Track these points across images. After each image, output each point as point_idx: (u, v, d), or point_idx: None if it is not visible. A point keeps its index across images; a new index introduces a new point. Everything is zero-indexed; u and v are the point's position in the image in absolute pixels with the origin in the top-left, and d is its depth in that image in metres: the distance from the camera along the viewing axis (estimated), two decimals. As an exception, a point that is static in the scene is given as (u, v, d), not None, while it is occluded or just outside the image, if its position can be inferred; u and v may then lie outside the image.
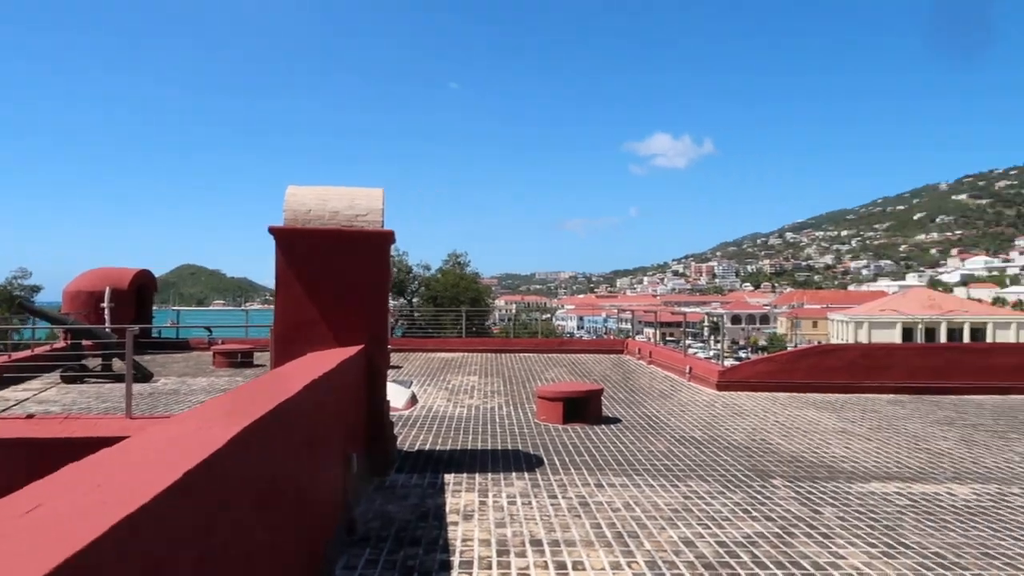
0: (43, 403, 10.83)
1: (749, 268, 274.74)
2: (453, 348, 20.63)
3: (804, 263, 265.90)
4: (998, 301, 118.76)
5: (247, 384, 4.31)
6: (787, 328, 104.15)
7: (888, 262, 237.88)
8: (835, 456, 8.20)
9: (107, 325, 17.63)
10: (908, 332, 70.90)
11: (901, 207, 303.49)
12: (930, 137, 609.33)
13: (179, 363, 16.99)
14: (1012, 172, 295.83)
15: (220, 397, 3.74)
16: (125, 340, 8.76)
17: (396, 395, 10.88)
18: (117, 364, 13.43)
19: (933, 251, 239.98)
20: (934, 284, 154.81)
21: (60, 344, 16.17)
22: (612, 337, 27.29)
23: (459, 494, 6.34)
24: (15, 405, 10.66)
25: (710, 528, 5.46)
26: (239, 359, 16.58)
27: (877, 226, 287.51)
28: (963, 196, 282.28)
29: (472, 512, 5.81)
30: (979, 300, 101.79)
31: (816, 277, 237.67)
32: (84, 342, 14.64)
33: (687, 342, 18.31)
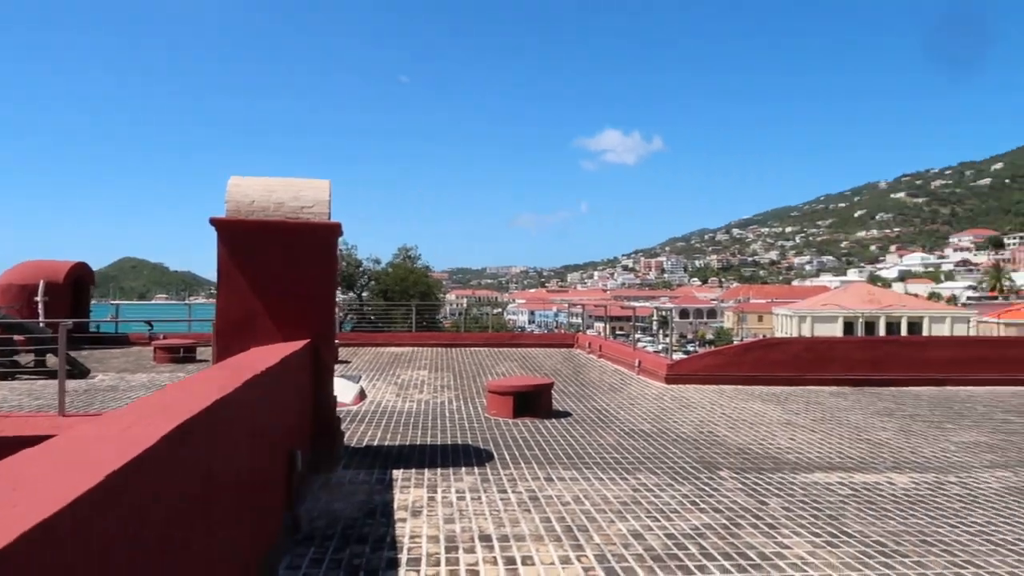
0: (-29, 401, 10.36)
1: (697, 263, 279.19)
2: (403, 342, 20.44)
3: (750, 259, 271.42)
4: (933, 296, 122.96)
5: (185, 380, 4.15)
6: (734, 322, 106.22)
7: (830, 258, 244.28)
8: (780, 447, 8.34)
9: (41, 319, 16.98)
10: (849, 326, 72.95)
11: (843, 205, 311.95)
12: (871, 137, 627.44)
13: (118, 359, 16.46)
14: (947, 172, 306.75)
15: (156, 393, 3.59)
16: (58, 335, 8.41)
17: (344, 390, 10.70)
18: (51, 360, 12.94)
19: (873, 247, 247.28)
20: (874, 279, 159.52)
21: (-10, 339, 15.50)
22: (563, 331, 27.37)
23: (408, 490, 6.25)
24: (-60, 403, 10.17)
25: (659, 520, 5.48)
26: (181, 354, 16.15)
27: (820, 223, 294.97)
28: (901, 194, 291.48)
29: (421, 508, 5.72)
30: (916, 295, 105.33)
31: (761, 272, 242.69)
32: (16, 337, 14.06)
33: (636, 336, 18.47)
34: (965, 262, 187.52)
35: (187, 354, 16.24)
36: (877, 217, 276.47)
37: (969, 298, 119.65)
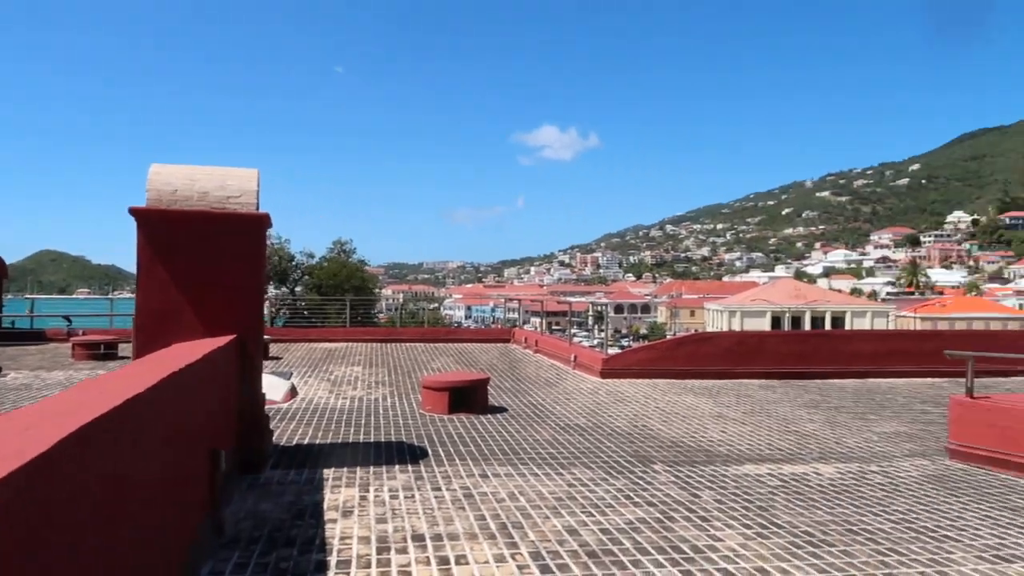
0: None
1: (632, 259, 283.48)
2: (337, 338, 20.08)
3: (683, 255, 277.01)
4: (855, 291, 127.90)
5: (99, 377, 3.92)
6: (667, 317, 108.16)
7: (759, 254, 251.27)
8: (712, 440, 8.46)
9: (-53, 315, 16.03)
10: (776, 320, 75.12)
11: (771, 203, 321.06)
12: (798, 137, 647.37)
13: (33, 356, 15.68)
14: (868, 172, 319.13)
15: (65, 392, 3.36)
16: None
17: (274, 387, 10.41)
18: (-42, 358, 12.21)
19: (799, 244, 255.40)
20: (800, 275, 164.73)
21: None
22: (499, 326, 27.35)
23: (339, 490, 6.08)
24: None
25: (593, 515, 5.46)
26: (102, 351, 15.48)
27: (749, 220, 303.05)
28: (826, 193, 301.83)
29: (352, 508, 5.57)
30: (839, 290, 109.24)
31: (694, 268, 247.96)
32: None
33: (572, 331, 18.57)
34: (885, 259, 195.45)
35: (108, 351, 15.58)
36: (803, 215, 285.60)
37: (888, 293, 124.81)
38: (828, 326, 70.83)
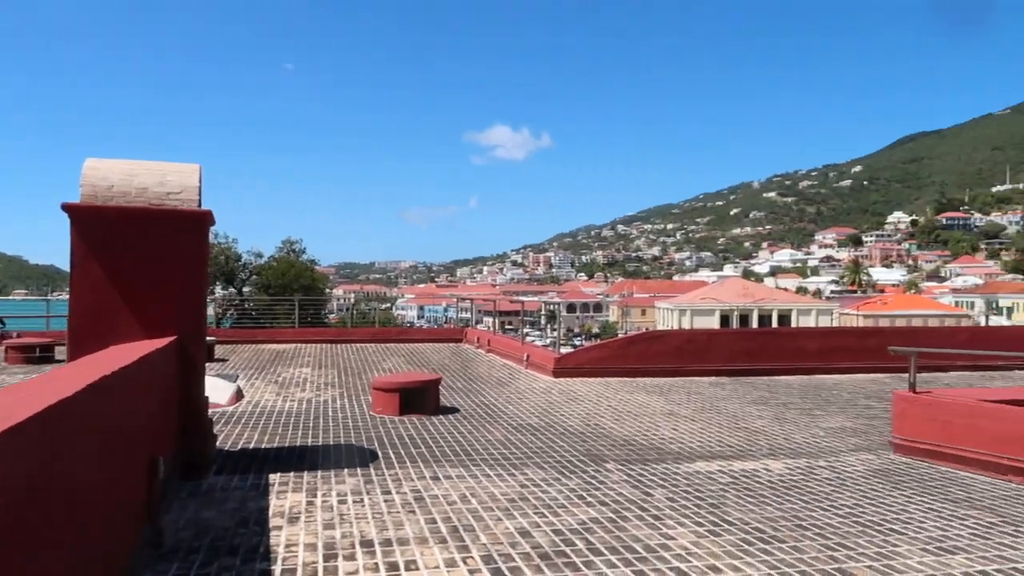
0: None
1: (584, 258, 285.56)
2: (285, 339, 19.70)
3: (634, 254, 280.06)
4: (801, 290, 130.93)
5: (25, 382, 3.70)
6: (618, 316, 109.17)
7: (708, 254, 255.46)
8: (664, 438, 8.49)
9: None
10: (725, 318, 76.43)
11: (720, 203, 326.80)
12: (745, 139, 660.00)
13: (-38, 360, 14.99)
14: (813, 173, 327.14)
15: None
16: None
17: (218, 390, 10.12)
18: None
19: (747, 244, 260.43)
20: (747, 274, 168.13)
21: None
22: (452, 326, 27.20)
23: (285, 495, 5.91)
24: None
25: (546, 516, 5.40)
26: (37, 354, 14.90)
27: (699, 220, 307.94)
28: (773, 194, 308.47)
29: (299, 514, 5.41)
30: (785, 289, 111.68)
31: (645, 268, 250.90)
32: None
33: (525, 330, 18.54)
34: (829, 258, 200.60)
35: (44, 354, 15.00)
36: (751, 215, 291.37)
37: (832, 292, 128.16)
38: (775, 324, 72.33)
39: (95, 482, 3.36)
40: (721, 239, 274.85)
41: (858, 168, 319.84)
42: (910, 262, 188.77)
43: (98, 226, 6.22)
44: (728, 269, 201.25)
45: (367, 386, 11.80)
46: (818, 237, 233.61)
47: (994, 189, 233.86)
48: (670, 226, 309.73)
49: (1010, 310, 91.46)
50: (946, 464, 7.12)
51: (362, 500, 5.79)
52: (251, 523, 5.17)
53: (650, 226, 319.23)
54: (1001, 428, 6.80)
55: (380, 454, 7.45)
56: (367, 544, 4.76)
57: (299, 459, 7.19)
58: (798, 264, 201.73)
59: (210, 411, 7.53)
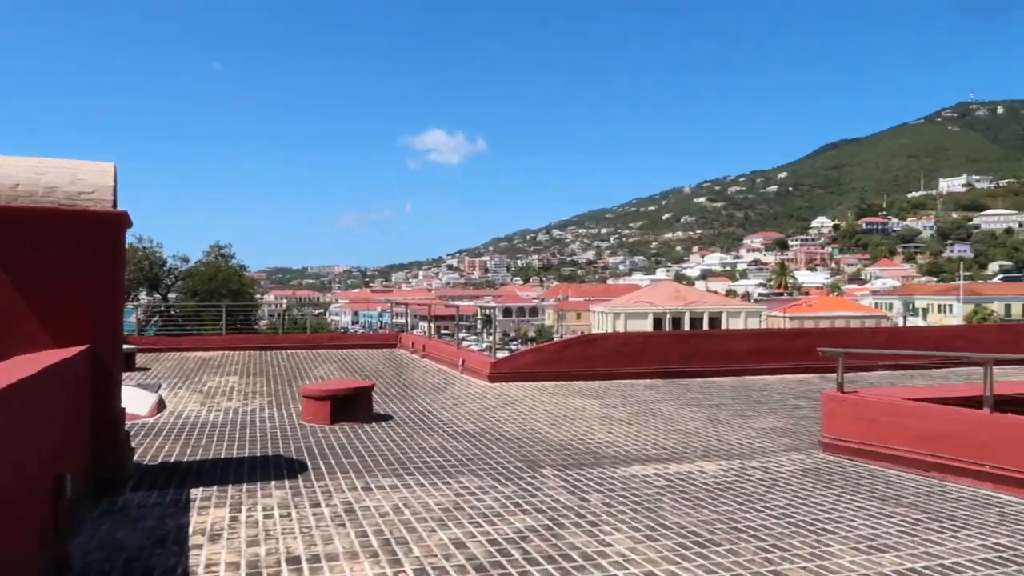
0: None
1: (519, 263, 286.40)
2: (212, 346, 19.03)
3: (569, 258, 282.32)
4: (730, 293, 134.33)
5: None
6: (554, 320, 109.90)
7: (641, 258, 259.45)
8: (600, 441, 8.46)
9: None
10: (658, 321, 77.73)
11: (652, 208, 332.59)
12: (676, 144, 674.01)
13: None
14: (741, 179, 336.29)
15: None
16: None
17: (138, 401, 9.65)
18: None
19: (678, 248, 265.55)
20: (679, 278, 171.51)
21: None
22: (387, 331, 26.82)
23: (207, 511, 5.61)
24: None
25: (481, 526, 5.27)
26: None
27: (632, 225, 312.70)
28: (703, 199, 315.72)
29: (221, 531, 5.14)
30: (715, 292, 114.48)
31: (579, 272, 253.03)
32: None
33: (461, 335, 18.38)
34: (756, 262, 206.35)
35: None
36: (682, 220, 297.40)
37: (760, 294, 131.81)
38: (706, 326, 73.90)
39: (-13, 506, 3.07)
40: (653, 243, 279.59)
41: (784, 174, 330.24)
42: (833, 265, 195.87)
43: (1, 227, 5.81)
44: (660, 273, 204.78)
45: (297, 394, 11.45)
46: (746, 241, 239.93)
47: (909, 195, 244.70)
48: (604, 230, 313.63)
49: (925, 311, 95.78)
50: (873, 462, 7.28)
51: (289, 514, 5.55)
52: (169, 542, 4.89)
53: (584, 230, 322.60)
54: (924, 426, 6.99)
55: (309, 465, 7.20)
56: (294, 561, 4.55)
57: (223, 472, 6.88)
58: (727, 267, 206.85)
59: (128, 423, 7.15)
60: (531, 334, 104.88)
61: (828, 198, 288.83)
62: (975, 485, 6.41)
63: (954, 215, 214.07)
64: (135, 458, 7.15)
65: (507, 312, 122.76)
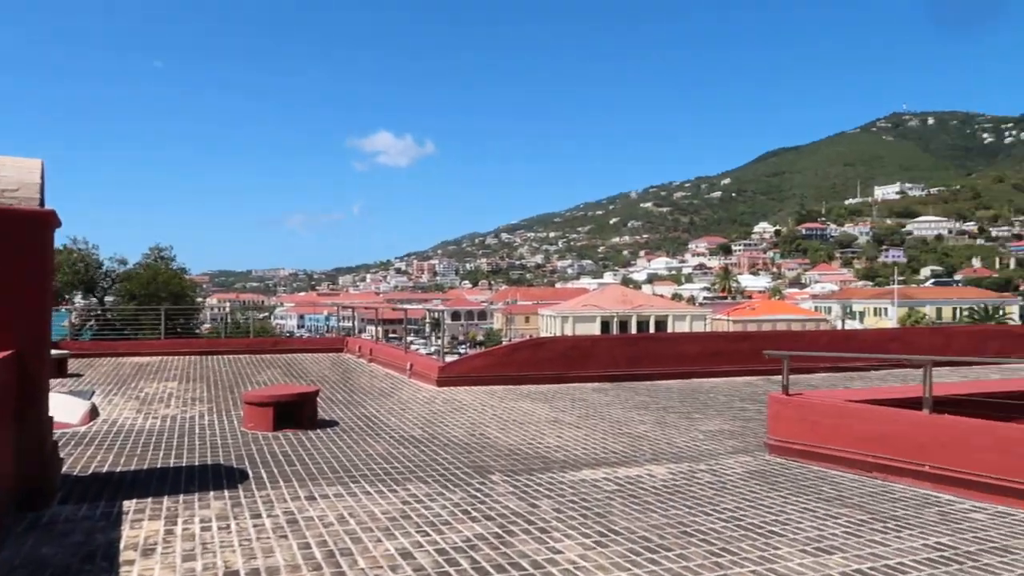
0: None
1: (468, 266, 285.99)
2: (150, 351, 18.41)
3: (517, 262, 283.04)
4: (676, 296, 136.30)
5: None
6: (502, 323, 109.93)
7: (589, 262, 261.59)
8: (549, 446, 8.40)
9: None
10: (606, 325, 78.44)
11: (600, 212, 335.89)
12: (624, 150, 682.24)
13: None
14: (687, 185, 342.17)
15: None
16: None
17: (68, 408, 9.23)
18: None
19: (625, 252, 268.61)
20: (626, 282, 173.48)
21: None
22: (333, 335, 26.38)
23: (140, 524, 5.36)
24: None
25: (429, 535, 5.14)
26: None
27: (580, 229, 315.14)
28: (649, 204, 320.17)
29: (154, 545, 4.90)
30: (662, 296, 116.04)
31: (528, 275, 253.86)
32: None
33: (409, 339, 18.15)
34: (701, 266, 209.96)
35: None
36: (629, 224, 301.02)
37: (705, 298, 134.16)
38: (652, 329, 74.86)
39: None
40: (601, 247, 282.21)
41: (727, 181, 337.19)
42: (774, 270, 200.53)
43: (-85, 226, 5.46)
44: (608, 276, 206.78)
45: (239, 400, 11.12)
46: (691, 246, 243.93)
47: (847, 202, 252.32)
48: (552, 234, 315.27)
49: (862, 314, 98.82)
50: (817, 463, 7.38)
51: (228, 526, 5.33)
52: (98, 558, 4.63)
53: (533, 234, 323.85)
54: (866, 427, 7.11)
55: (251, 474, 6.96)
56: (232, 575, 4.35)
57: (159, 483, 6.60)
58: (673, 271, 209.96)
59: (58, 432, 6.81)
60: (480, 338, 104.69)
61: (770, 204, 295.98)
62: (915, 485, 6.55)
63: (888, 221, 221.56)
64: (64, 469, 6.82)
65: (456, 316, 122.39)
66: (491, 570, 4.47)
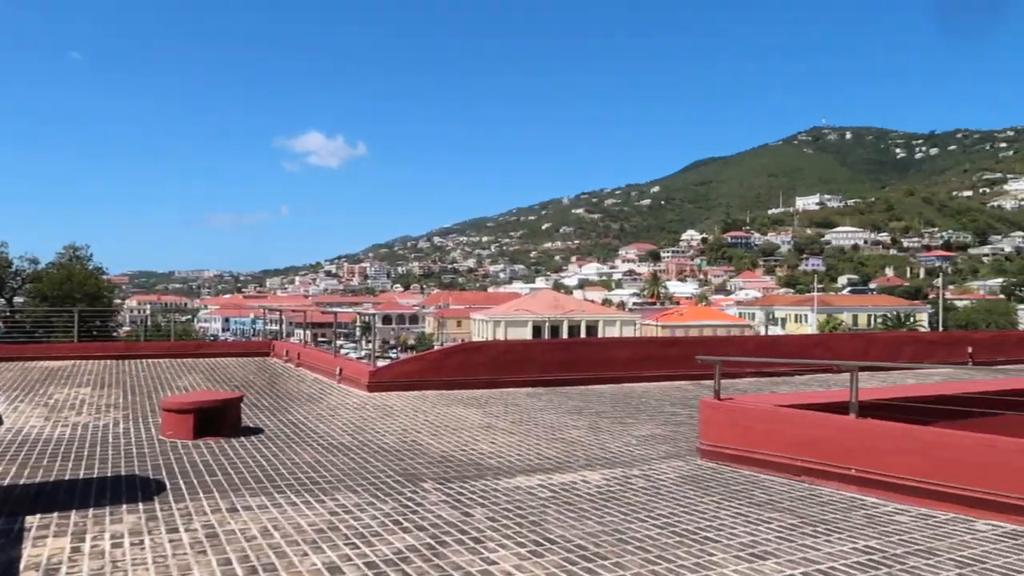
0: None
1: (400, 270, 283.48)
2: (62, 355, 17.46)
3: (450, 266, 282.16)
4: (607, 302, 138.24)
5: None
6: (434, 327, 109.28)
7: (521, 267, 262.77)
8: (482, 452, 8.27)
9: None
10: (537, 329, 78.92)
11: (532, 218, 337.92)
12: (556, 156, 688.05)
13: None
14: (617, 192, 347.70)
15: None
16: None
17: (-32, 417, 8.60)
18: None
19: (557, 257, 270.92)
20: (558, 287, 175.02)
21: None
22: (259, 339, 25.65)
23: (44, 541, 4.98)
24: None
25: (358, 547, 4.94)
26: None
27: (512, 234, 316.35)
28: (581, 210, 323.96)
29: (59, 564, 4.55)
30: (593, 301, 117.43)
31: (460, 279, 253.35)
32: None
33: (339, 343, 17.76)
34: (631, 272, 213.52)
35: None
36: (561, 230, 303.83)
37: (635, 303, 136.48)
38: (583, 334, 75.67)
39: None
40: (533, 252, 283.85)
41: (657, 188, 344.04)
42: (701, 276, 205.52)
43: None
44: (540, 282, 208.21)
45: (157, 407, 10.60)
46: (622, 252, 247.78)
47: (770, 212, 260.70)
48: (485, 239, 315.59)
49: (784, 320, 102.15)
50: (748, 468, 7.46)
51: (142, 542, 5.01)
52: (-6, 581, 4.27)
53: (466, 238, 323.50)
54: (796, 432, 7.22)
55: (168, 485, 6.59)
56: (144, 597, 4.06)
57: (67, 496, 6.18)
58: (604, 277, 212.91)
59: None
60: (411, 342, 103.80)
61: (697, 212, 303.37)
62: (842, 488, 6.67)
63: (808, 231, 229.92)
64: (-40, 483, 6.32)
65: (387, 319, 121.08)
66: (423, 584, 4.30)
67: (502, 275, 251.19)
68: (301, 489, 6.51)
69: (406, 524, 5.49)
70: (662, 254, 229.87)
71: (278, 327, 26.68)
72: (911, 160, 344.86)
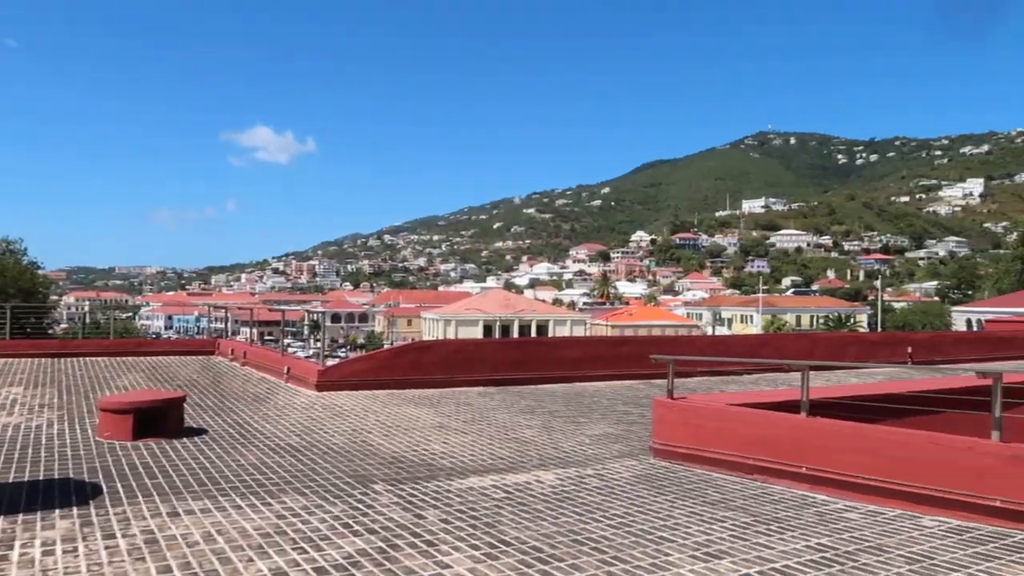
0: None
1: (349, 268, 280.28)
2: (-8, 353, 16.69)
3: (400, 264, 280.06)
4: (557, 301, 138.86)
5: None
6: (384, 326, 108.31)
7: (472, 266, 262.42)
8: (435, 453, 8.13)
9: None
10: (488, 328, 78.73)
11: (483, 217, 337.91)
12: (508, 155, 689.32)
13: None
14: (568, 192, 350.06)
15: None
16: None
17: None
18: None
19: (508, 257, 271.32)
20: (509, 286, 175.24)
21: None
22: (204, 337, 24.97)
23: (-32, 550, 4.69)
24: None
25: (306, 552, 4.77)
26: None
27: (464, 233, 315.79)
28: (532, 210, 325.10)
29: (-16, 575, 4.28)
30: (543, 300, 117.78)
31: (411, 278, 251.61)
32: None
33: (286, 341, 17.38)
34: (581, 272, 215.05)
35: None
36: (512, 230, 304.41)
37: (585, 303, 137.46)
38: (534, 334, 75.80)
39: None
40: (484, 252, 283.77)
41: (607, 190, 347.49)
42: (650, 277, 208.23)
43: None
44: (491, 281, 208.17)
45: (94, 407, 10.18)
46: (572, 252, 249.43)
47: (717, 214, 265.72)
48: (436, 237, 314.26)
49: (730, 321, 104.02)
50: (701, 466, 7.49)
51: (76, 548, 4.75)
52: (-89, 594, 3.99)
53: (416, 237, 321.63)
54: (747, 430, 7.27)
55: (105, 488, 6.30)
56: (77, 608, 3.84)
57: (-6, 501, 5.85)
58: (555, 277, 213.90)
59: None
60: (361, 341, 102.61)
61: (646, 214, 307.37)
62: (793, 486, 6.73)
63: (754, 233, 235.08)
64: None
65: (336, 318, 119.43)
66: (375, 589, 4.17)
67: (453, 274, 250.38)
68: (247, 492, 6.29)
69: (356, 527, 5.33)
70: (612, 255, 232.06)
71: (224, 325, 26.05)
72: (852, 166, 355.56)
